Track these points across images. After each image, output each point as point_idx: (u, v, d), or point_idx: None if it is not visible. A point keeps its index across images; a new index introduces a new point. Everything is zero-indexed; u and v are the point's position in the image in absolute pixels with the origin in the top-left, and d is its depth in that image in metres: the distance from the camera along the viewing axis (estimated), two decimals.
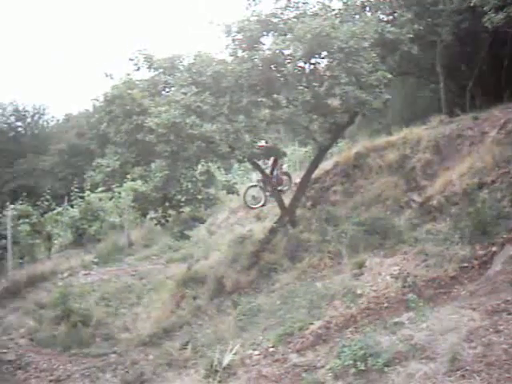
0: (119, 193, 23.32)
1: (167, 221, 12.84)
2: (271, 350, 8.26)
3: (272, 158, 17.85)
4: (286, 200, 13.71)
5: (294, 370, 7.41)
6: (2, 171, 70.53)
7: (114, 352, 11.76)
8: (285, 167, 19.06)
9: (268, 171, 18.29)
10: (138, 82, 11.83)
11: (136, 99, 11.11)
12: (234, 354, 7.32)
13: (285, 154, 14.18)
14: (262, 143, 18.03)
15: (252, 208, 17.54)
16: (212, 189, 13.00)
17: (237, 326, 9.74)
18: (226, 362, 6.72)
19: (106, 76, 11.82)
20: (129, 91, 11.26)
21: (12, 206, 20.28)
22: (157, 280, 16.19)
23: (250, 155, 12.06)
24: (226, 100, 11.14)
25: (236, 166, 23.25)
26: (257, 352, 8.36)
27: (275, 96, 11.71)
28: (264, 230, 13.63)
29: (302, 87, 11.52)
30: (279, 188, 18.48)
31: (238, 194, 14.53)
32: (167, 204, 12.52)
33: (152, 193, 12.37)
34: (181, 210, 12.69)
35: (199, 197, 12.53)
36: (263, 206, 17.46)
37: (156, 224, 13.40)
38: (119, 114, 11.37)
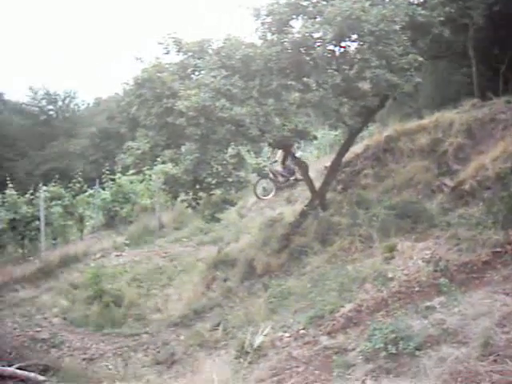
0: (150, 175, 23.46)
1: (198, 203, 12.88)
2: (302, 332, 8.31)
3: (280, 150, 18.15)
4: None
5: (324, 353, 7.45)
6: (34, 154, 71.45)
7: (146, 332, 11.92)
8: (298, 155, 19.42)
9: (277, 163, 18.55)
10: (167, 66, 11.86)
11: (166, 82, 11.15)
12: (265, 335, 7.39)
13: (315, 138, 14.12)
14: None
15: (262, 199, 18.12)
16: (242, 172, 13.02)
17: (267, 309, 9.78)
18: (257, 343, 6.78)
19: (137, 59, 11.88)
20: (158, 74, 11.31)
21: (44, 187, 20.54)
22: (187, 262, 16.31)
23: (280, 138, 12.04)
24: (255, 83, 11.12)
25: (266, 149, 23.25)
26: (287, 334, 8.41)
27: (305, 79, 11.64)
28: (294, 213, 13.62)
29: (331, 70, 11.44)
30: (293, 178, 18.78)
31: (269, 178, 14.56)
32: (198, 187, 12.57)
33: (183, 175, 12.42)
34: (211, 192, 12.72)
35: (230, 180, 12.55)
36: (273, 196, 18.21)
37: (187, 207, 13.46)
38: (149, 97, 11.42)
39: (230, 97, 10.64)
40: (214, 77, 10.64)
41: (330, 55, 11.44)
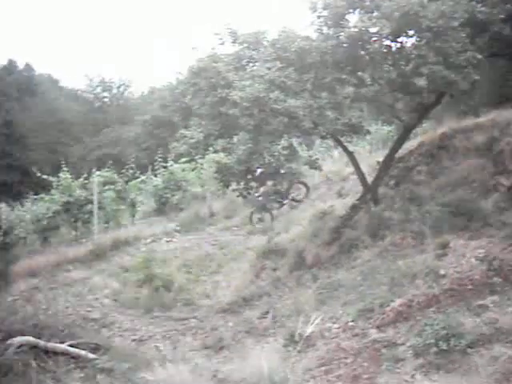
0: (202, 164, 23.63)
1: (249, 193, 12.99)
2: (351, 324, 8.33)
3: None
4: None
5: (373, 346, 7.46)
6: (88, 140, 72.59)
7: (195, 317, 12.03)
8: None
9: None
10: (222, 56, 11.94)
11: (221, 72, 11.22)
12: (314, 325, 7.44)
13: (368, 132, 14.05)
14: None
15: (258, 227, 17.97)
16: (294, 164, 13.06)
17: (316, 299, 9.80)
18: (307, 333, 6.83)
19: (192, 49, 11.98)
20: (214, 64, 11.39)
21: (98, 172, 20.88)
22: (237, 250, 16.41)
23: (333, 132, 12.02)
24: (310, 76, 11.11)
25: (318, 142, 23.20)
26: (336, 325, 8.44)
27: (360, 74, 11.58)
28: (345, 206, 13.56)
29: (387, 65, 11.32)
30: (286, 201, 18.83)
31: (321, 170, 14.51)
32: (250, 177, 12.66)
33: (235, 165, 12.53)
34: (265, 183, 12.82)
35: (282, 171, 12.63)
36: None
37: (238, 196, 13.59)
38: (204, 86, 11.51)
39: (284, 89, 10.66)
40: (269, 68, 10.68)
41: (386, 50, 11.32)
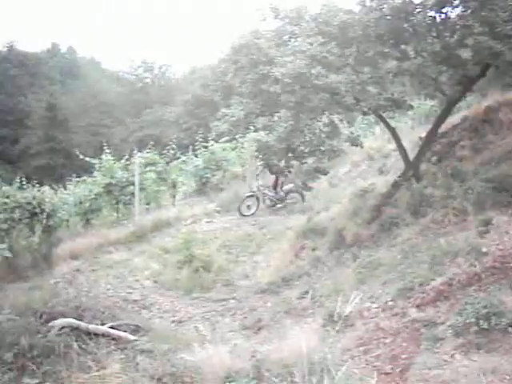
0: (242, 143, 23.59)
1: (290, 171, 12.89)
2: (390, 303, 8.20)
3: (276, 176, 18.96)
4: None
5: (412, 325, 7.34)
6: (129, 121, 73.21)
7: (234, 298, 12.01)
8: (288, 187, 19.58)
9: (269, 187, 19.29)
10: (264, 33, 11.83)
11: (262, 49, 11.12)
12: (353, 305, 7.34)
13: (411, 107, 13.78)
14: None
15: (244, 215, 18.80)
16: (335, 141, 12.91)
17: (356, 279, 9.69)
18: (346, 312, 6.75)
19: (235, 26, 11.90)
20: (255, 41, 11.30)
21: (139, 153, 20.98)
22: (277, 230, 16.37)
23: (376, 107, 11.83)
24: (352, 50, 10.95)
25: (359, 119, 22.95)
26: (375, 305, 8.32)
27: (403, 47, 11.37)
28: (386, 183, 13.38)
29: (431, 38, 11.09)
30: (279, 205, 19.37)
31: (362, 147, 14.32)
32: (290, 155, 12.59)
33: (276, 143, 12.46)
34: (304, 161, 12.71)
35: (322, 148, 12.51)
36: (252, 214, 18.95)
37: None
38: (245, 63, 11.44)
39: (326, 64, 10.53)
40: (311, 44, 10.54)
41: (430, 22, 11.05)
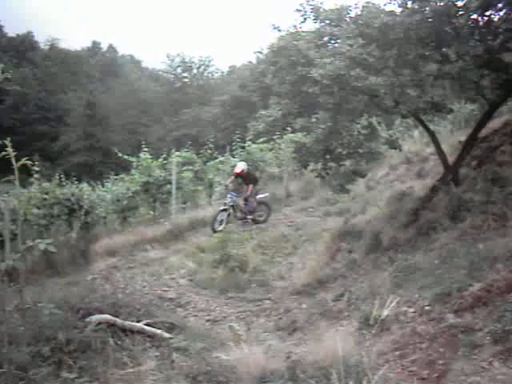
0: (279, 144, 23.62)
1: (327, 173, 12.84)
2: (427, 308, 8.10)
3: (250, 186, 18.45)
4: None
5: (450, 331, 7.25)
6: (168, 120, 73.75)
7: (269, 298, 12.03)
8: (262, 196, 19.29)
9: (241, 198, 18.42)
10: (303, 34, 11.81)
11: (301, 50, 11.11)
12: (390, 309, 7.29)
13: (451, 111, 13.63)
14: (239, 170, 18.47)
15: (215, 231, 17.35)
16: (373, 143, 12.84)
17: (392, 282, 9.60)
18: (382, 316, 6.70)
19: (274, 28, 11.91)
20: (294, 42, 11.29)
21: (177, 153, 21.13)
22: (313, 232, 16.35)
23: (415, 110, 11.73)
24: (392, 53, 10.88)
25: (398, 121, 22.79)
26: (412, 309, 8.24)
27: (444, 50, 11.26)
28: (425, 187, 13.27)
29: (473, 41, 10.97)
30: (250, 217, 18.57)
31: (401, 150, 14.22)
32: (328, 157, 12.53)
33: (313, 145, 12.41)
34: (341, 163, 12.65)
35: (360, 151, 12.44)
36: (223, 229, 17.51)
37: (316, 176, 13.46)
38: (284, 64, 11.46)
39: (366, 66, 10.49)
40: (351, 45, 10.51)
41: (472, 25, 10.94)
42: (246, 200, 18.72)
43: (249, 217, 18.66)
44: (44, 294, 10.02)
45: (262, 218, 18.76)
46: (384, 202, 14.12)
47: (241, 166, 19.03)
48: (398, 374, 6.46)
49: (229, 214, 18.25)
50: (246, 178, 18.99)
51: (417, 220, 11.88)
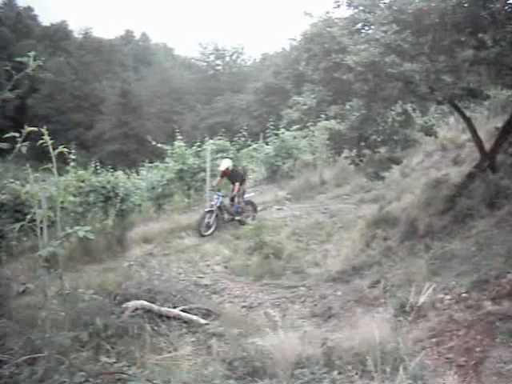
0: (313, 131, 23.56)
1: (361, 161, 12.79)
2: (464, 295, 8.07)
3: (237, 184, 17.54)
4: None
5: (487, 318, 7.21)
6: (201, 108, 73.90)
7: (304, 285, 12.05)
8: (249, 196, 18.50)
9: (227, 198, 17.60)
10: (337, 20, 11.74)
11: (335, 37, 11.04)
12: (426, 296, 7.28)
13: (488, 97, 13.45)
14: (223, 167, 17.50)
15: (203, 235, 16.51)
16: (408, 130, 12.74)
17: (428, 270, 9.56)
18: (418, 303, 6.70)
19: (306, 14, 11.84)
20: (328, 29, 11.22)
21: (211, 140, 21.20)
22: (347, 219, 16.31)
23: (451, 97, 11.61)
24: (427, 39, 10.75)
25: (433, 108, 22.56)
26: (448, 297, 8.20)
27: (480, 35, 11.10)
28: (461, 174, 13.13)
29: (510, 26, 10.81)
30: (237, 218, 17.61)
31: (436, 137, 14.09)
32: (362, 144, 12.47)
33: (347, 132, 12.37)
34: (376, 150, 12.58)
35: (395, 138, 12.36)
36: (212, 233, 16.76)
37: (350, 163, 13.41)
38: (318, 52, 11.38)
39: (400, 52, 10.38)
40: (385, 32, 10.41)
41: (509, 9, 10.76)
42: (232, 200, 17.78)
43: (237, 218, 17.70)
44: (82, 280, 10.19)
45: (249, 219, 17.42)
46: (419, 189, 14.00)
47: (225, 164, 17.94)
48: (434, 361, 6.45)
49: (216, 215, 17.11)
50: (232, 177, 18.02)
51: (453, 207, 11.78)
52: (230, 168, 17.85)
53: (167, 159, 20.82)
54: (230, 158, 18.86)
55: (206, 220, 16.86)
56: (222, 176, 18.06)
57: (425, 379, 5.56)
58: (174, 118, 70.62)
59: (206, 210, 17.26)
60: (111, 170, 18.56)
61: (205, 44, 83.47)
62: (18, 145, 4.40)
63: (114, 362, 6.38)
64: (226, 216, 17.58)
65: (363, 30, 11.59)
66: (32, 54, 4.76)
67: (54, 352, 4.66)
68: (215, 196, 17.45)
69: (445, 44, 10.70)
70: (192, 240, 16.23)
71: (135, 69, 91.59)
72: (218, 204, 17.16)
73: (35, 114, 68.18)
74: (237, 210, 17.69)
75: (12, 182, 15.75)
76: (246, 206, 17.97)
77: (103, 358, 6.50)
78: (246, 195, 18.38)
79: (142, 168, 23.03)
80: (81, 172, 16.78)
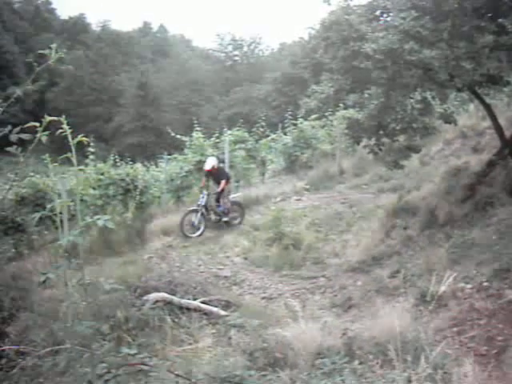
0: (331, 121, 23.48)
1: (380, 149, 12.71)
2: (485, 284, 8.00)
3: (223, 182, 16.63)
4: None
5: (509, 307, 7.16)
6: (219, 99, 74.00)
7: (323, 276, 12.03)
8: (235, 196, 17.88)
9: (213, 198, 16.69)
10: (355, 8, 11.67)
11: (353, 25, 10.97)
12: (447, 285, 7.23)
13: (508, 83, 13.32)
14: (209, 167, 16.59)
15: (188, 237, 15.80)
16: (428, 118, 12.65)
17: (448, 259, 9.49)
18: (439, 292, 6.65)
19: (324, 2, 11.77)
20: (346, 17, 11.15)
21: (229, 131, 21.18)
22: (367, 209, 16.25)
23: (470, 83, 11.49)
24: (446, 25, 10.63)
25: (452, 95, 22.38)
26: (469, 286, 8.14)
27: (500, 20, 10.98)
28: (481, 162, 13.02)
29: None
30: (225, 219, 16.74)
31: (456, 124, 13.97)
32: (381, 132, 12.40)
33: (366, 120, 12.31)
34: (395, 138, 12.50)
35: (414, 126, 12.28)
36: (200, 235, 16.04)
37: (368, 152, 13.34)
38: (336, 40, 11.32)
39: (419, 39, 10.28)
40: (403, 18, 10.31)
41: None
42: (217, 200, 16.87)
43: (224, 219, 16.88)
44: (102, 272, 10.24)
45: (236, 221, 17.05)
46: (439, 178, 13.92)
47: (211, 163, 16.97)
48: (455, 350, 6.40)
49: (202, 214, 16.30)
50: (217, 176, 17.06)
51: (473, 195, 11.70)
52: (216, 166, 17.02)
53: (186, 151, 20.83)
54: (215, 156, 18.10)
55: (193, 219, 16.22)
56: (206, 176, 17.22)
57: (446, 368, 5.52)
58: (192, 109, 70.75)
59: (190, 209, 16.62)
60: (130, 163, 18.62)
61: (222, 34, 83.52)
62: (39, 134, 4.41)
63: (136, 354, 6.40)
64: (213, 217, 16.84)
65: (382, 17, 11.52)
66: (54, 46, 4.75)
67: (76, 342, 4.68)
68: (201, 195, 16.68)
69: (464, 30, 10.57)
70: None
71: (153, 61, 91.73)
72: (203, 203, 16.41)
73: (54, 107, 68.46)
74: (224, 210, 16.89)
75: (32, 176, 15.86)
76: (232, 207, 17.16)
77: (124, 350, 6.52)
78: (234, 195, 17.88)
79: (160, 160, 23.07)
80: (100, 165, 16.85)
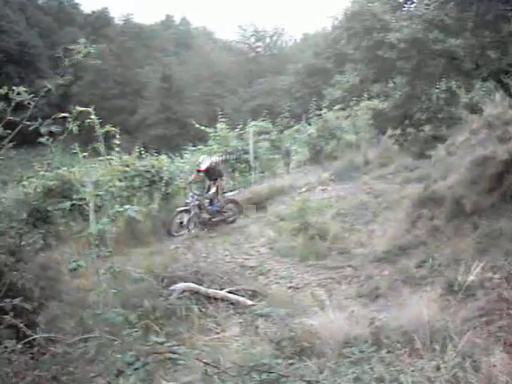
0: (356, 111, 23.39)
1: (406, 140, 12.66)
2: None
3: (218, 180, 16.29)
4: None
5: None
6: (242, 91, 74.00)
7: (350, 266, 12.01)
8: (232, 194, 17.64)
9: (206, 197, 16.28)
10: None
11: (376, 14, 10.92)
12: (474, 275, 7.21)
13: None
14: (204, 167, 16.09)
15: (173, 236, 15.24)
16: (453, 108, 12.57)
17: (476, 249, 9.46)
18: (466, 282, 6.64)
19: None
20: (369, 5, 11.10)
21: (253, 122, 21.20)
22: (392, 199, 16.15)
23: (496, 72, 11.40)
24: (470, 13, 10.57)
25: (478, 85, 22.22)
26: (497, 275, 8.11)
27: None
28: (508, 151, 12.91)
29: None
30: (216, 219, 16.33)
31: (482, 114, 13.87)
32: (406, 122, 12.34)
33: (391, 111, 12.26)
34: (420, 128, 12.44)
35: (440, 116, 12.20)
36: (189, 233, 15.45)
37: (394, 143, 13.30)
38: (359, 30, 11.27)
39: (444, 28, 10.23)
40: (427, 6, 10.26)
41: None
42: (211, 200, 16.40)
43: (216, 219, 16.43)
44: (129, 263, 10.34)
45: (230, 219, 16.66)
46: (465, 168, 13.81)
47: (206, 163, 16.42)
48: (483, 339, 6.38)
49: (195, 214, 15.82)
50: (211, 174, 16.62)
51: (500, 185, 11.60)
52: (213, 165, 16.58)
53: (210, 142, 20.89)
54: (206, 154, 17.91)
55: (179, 219, 15.69)
56: (198, 173, 16.77)
57: (474, 357, 5.51)
58: (216, 101, 70.77)
59: (179, 209, 16.00)
60: (155, 155, 18.70)
61: (245, 26, 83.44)
62: (70, 125, 4.48)
63: (164, 342, 6.47)
64: (206, 215, 16.31)
65: (405, 6, 11.46)
66: (82, 41, 4.83)
67: (105, 331, 4.74)
68: (190, 194, 16.19)
69: (489, 18, 10.49)
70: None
71: (176, 53, 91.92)
72: (194, 203, 15.85)
73: (80, 101, 68.61)
74: (216, 209, 16.46)
75: (59, 168, 15.98)
76: (227, 205, 16.79)
77: (153, 338, 6.60)
78: (231, 193, 17.72)
79: (185, 151, 23.13)
80: (125, 157, 16.95)
